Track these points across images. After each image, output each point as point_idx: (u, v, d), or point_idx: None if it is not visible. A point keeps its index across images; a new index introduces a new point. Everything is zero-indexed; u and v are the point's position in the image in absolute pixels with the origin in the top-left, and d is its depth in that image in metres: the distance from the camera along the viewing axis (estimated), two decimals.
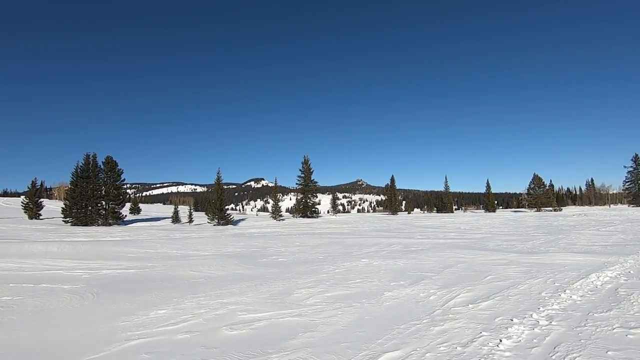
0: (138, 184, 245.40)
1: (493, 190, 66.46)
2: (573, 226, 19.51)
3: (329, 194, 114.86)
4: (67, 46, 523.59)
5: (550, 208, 56.15)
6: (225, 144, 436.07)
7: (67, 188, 35.56)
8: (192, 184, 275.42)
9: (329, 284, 5.94)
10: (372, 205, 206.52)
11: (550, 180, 64.29)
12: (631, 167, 56.45)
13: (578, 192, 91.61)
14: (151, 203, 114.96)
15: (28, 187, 34.45)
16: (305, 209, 41.29)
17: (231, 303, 4.78)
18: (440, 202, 69.39)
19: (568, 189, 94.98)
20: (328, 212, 61.63)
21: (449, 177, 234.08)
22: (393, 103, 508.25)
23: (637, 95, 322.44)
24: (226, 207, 32.73)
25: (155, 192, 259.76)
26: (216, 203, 31.62)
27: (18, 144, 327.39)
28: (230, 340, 3.41)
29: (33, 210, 32.28)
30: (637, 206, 53.25)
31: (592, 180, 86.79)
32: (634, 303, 4.30)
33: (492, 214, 51.78)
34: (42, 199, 36.38)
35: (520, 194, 78.81)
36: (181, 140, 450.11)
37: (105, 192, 27.73)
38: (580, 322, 3.68)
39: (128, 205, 42.52)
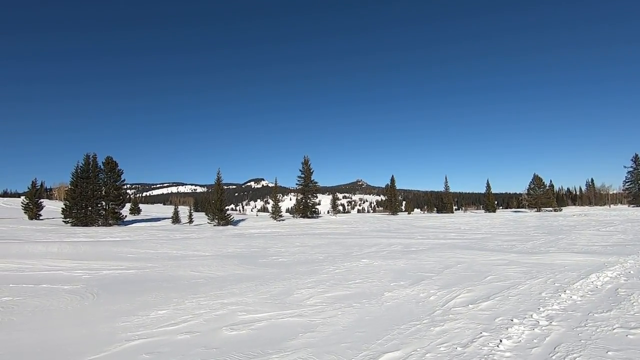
0: (138, 184, 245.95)
1: (493, 191, 66.55)
2: (573, 226, 19.50)
3: (329, 194, 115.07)
4: (67, 46, 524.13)
5: (551, 208, 56.17)
6: (225, 144, 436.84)
7: (67, 188, 35.54)
8: (192, 185, 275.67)
9: (329, 284, 5.93)
10: (372, 205, 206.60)
11: (550, 181, 64.56)
12: (631, 167, 56.57)
13: (578, 192, 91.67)
14: (151, 203, 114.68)
15: (28, 188, 34.50)
16: (305, 209, 41.31)
17: (231, 303, 4.78)
18: (440, 202, 69.36)
19: (568, 189, 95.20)
20: (328, 212, 61.65)
21: (449, 177, 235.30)
22: (393, 103, 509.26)
23: (637, 95, 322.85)
24: (226, 207, 32.79)
25: (155, 192, 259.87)
26: (216, 203, 31.67)
27: (18, 144, 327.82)
28: (230, 340, 3.41)
29: (33, 210, 32.31)
30: (637, 206, 53.25)
31: (592, 180, 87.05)
32: (634, 303, 4.30)
33: (492, 214, 51.82)
34: (42, 200, 36.40)
35: (520, 194, 78.97)
36: (181, 140, 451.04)
37: (105, 192, 27.77)
38: (581, 322, 3.68)
39: (128, 205, 42.55)
